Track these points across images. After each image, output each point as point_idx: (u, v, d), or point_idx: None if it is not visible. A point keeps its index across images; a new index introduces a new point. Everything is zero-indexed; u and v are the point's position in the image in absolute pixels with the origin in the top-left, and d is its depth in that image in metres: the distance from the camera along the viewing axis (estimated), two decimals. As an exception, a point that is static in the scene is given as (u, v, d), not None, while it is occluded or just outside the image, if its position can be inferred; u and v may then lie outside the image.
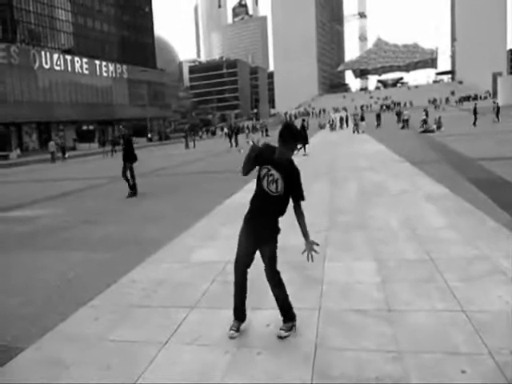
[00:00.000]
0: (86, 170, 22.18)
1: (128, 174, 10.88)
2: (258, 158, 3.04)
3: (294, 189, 3.05)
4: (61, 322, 3.66)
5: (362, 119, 33.66)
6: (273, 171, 3.01)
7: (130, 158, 10.93)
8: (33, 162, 33.76)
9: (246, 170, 3.13)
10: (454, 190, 8.02)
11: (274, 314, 3.51)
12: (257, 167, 3.12)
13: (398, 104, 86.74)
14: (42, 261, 5.70)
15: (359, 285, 3.99)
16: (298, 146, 3.07)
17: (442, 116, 32.53)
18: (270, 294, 3.93)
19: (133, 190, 10.87)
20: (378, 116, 38.75)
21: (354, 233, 5.75)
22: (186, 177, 15.06)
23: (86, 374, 2.86)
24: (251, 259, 3.26)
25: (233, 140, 30.49)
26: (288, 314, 3.22)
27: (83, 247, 6.24)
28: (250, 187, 10.39)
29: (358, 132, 31.30)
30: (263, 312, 3.60)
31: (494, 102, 36.30)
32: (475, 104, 32.62)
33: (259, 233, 3.14)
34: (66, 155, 34.32)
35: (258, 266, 4.69)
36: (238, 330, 3.24)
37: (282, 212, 3.11)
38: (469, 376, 2.53)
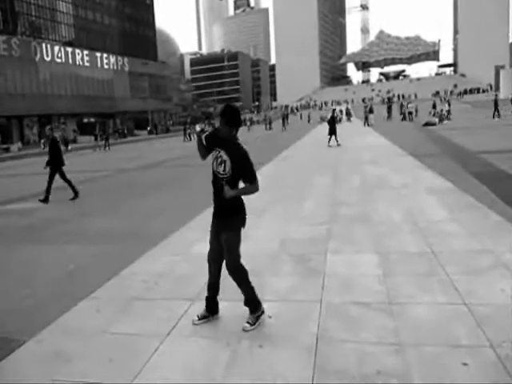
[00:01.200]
0: (86, 163, 22.15)
1: (64, 176, 9.82)
2: (208, 142, 3.18)
3: (242, 171, 3.07)
4: (62, 315, 3.65)
5: (371, 111, 32.75)
6: (221, 153, 3.08)
7: (54, 162, 9.65)
8: (34, 154, 33.72)
9: (202, 155, 3.28)
10: (457, 183, 7.99)
11: (276, 306, 3.52)
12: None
13: (403, 97, 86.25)
14: (43, 254, 5.70)
15: (361, 277, 3.98)
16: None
17: (446, 109, 32.45)
18: (272, 285, 3.94)
19: (46, 197, 9.50)
20: (389, 108, 39.19)
21: (356, 226, 5.73)
22: (185, 169, 15.03)
23: (88, 367, 2.86)
24: (219, 250, 3.26)
25: None
26: (251, 304, 3.25)
27: (83, 240, 6.23)
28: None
29: (368, 125, 30.42)
30: (265, 304, 3.58)
31: (497, 95, 36.23)
32: (496, 95, 32.46)
33: (218, 217, 3.21)
34: (69, 147, 34.18)
35: (258, 258, 4.70)
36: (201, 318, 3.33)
37: None
38: (470, 368, 2.53)
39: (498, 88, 68.08)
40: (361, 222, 5.95)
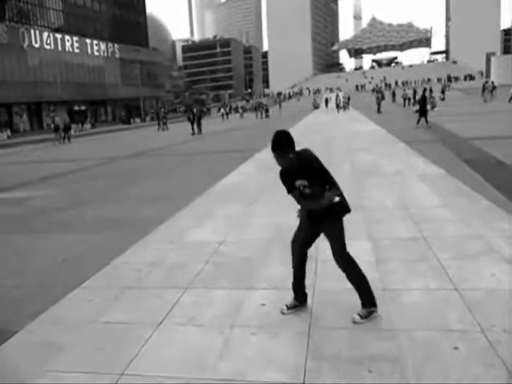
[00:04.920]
0: (76, 151, 21.90)
1: None
2: (287, 181, 3.02)
3: (319, 178, 2.94)
4: (53, 305, 3.63)
5: (383, 97, 31.50)
6: (299, 181, 2.95)
7: None
8: (24, 143, 33.25)
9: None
10: (448, 169, 8.01)
11: (269, 294, 3.52)
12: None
13: (396, 83, 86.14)
14: (34, 243, 5.65)
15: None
16: None
17: (438, 95, 32.46)
18: (265, 273, 3.94)
19: None
20: (393, 94, 40.74)
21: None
22: (179, 157, 14.93)
23: (79, 356, 2.85)
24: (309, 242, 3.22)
25: (195, 126, 26.14)
26: (364, 298, 3.05)
27: (76, 229, 6.19)
28: (243, 169, 10.16)
29: (380, 112, 29.02)
30: (258, 291, 3.59)
31: (487, 82, 36.40)
32: (486, 82, 32.55)
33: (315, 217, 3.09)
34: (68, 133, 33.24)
35: (251, 245, 4.69)
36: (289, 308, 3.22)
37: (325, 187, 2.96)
38: (461, 353, 2.55)
39: (488, 75, 68.12)
40: (353, 208, 5.94)
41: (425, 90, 20.49)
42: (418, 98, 33.15)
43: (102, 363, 2.73)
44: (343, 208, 3.09)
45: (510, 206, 5.44)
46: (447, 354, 2.56)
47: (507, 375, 2.32)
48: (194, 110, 31.03)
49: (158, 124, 35.07)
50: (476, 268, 3.72)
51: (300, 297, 3.25)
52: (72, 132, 37.01)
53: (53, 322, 3.37)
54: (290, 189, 3.00)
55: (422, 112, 17.46)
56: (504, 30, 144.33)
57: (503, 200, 5.73)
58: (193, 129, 26.13)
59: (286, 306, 3.21)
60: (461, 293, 3.28)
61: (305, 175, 2.93)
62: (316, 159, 2.99)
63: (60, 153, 22.09)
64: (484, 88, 33.18)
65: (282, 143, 2.93)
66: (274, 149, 2.95)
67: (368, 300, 3.04)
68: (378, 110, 29.37)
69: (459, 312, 3.01)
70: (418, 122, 17.31)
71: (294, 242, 3.22)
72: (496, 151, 9.39)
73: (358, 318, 2.98)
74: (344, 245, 3.06)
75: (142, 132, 35.75)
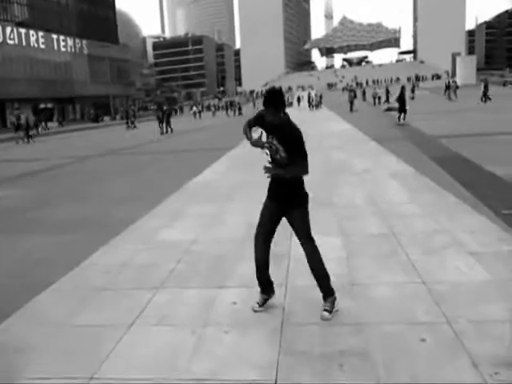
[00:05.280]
0: (40, 151, 21.22)
1: None
2: (255, 124, 3.10)
3: (295, 152, 2.92)
4: (20, 308, 3.50)
5: (355, 96, 31.48)
6: (274, 140, 2.96)
7: None
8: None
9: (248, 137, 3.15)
10: (417, 167, 8.24)
11: (241, 292, 3.52)
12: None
13: (367, 82, 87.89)
14: (0, 244, 5.44)
15: (325, 260, 4.02)
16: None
17: (408, 94, 33.24)
18: (237, 271, 3.94)
19: None
20: (364, 93, 42.72)
21: (320, 209, 5.80)
22: (150, 156, 14.71)
23: (48, 360, 2.76)
24: (272, 231, 3.16)
25: (164, 124, 25.07)
26: (325, 286, 3.11)
27: (44, 230, 5.99)
28: (215, 168, 10.12)
29: (352, 111, 29.15)
30: (230, 290, 3.59)
31: (453, 82, 37.78)
32: (449, 81, 33.83)
33: (280, 197, 3.09)
34: (31, 132, 32.14)
35: (224, 244, 4.68)
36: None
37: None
38: (428, 344, 2.63)
39: (454, 74, 70.44)
40: (325, 205, 6.03)
41: (403, 87, 20.96)
42: (393, 96, 34.02)
43: (72, 367, 2.66)
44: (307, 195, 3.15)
45: (475, 201, 5.65)
46: (415, 345, 2.63)
47: (471, 364, 2.40)
48: (164, 108, 30.24)
49: (127, 123, 34.14)
50: (442, 261, 3.84)
51: (268, 288, 3.24)
52: (40, 130, 35.81)
53: (20, 325, 3.25)
54: (253, 124, 3.10)
55: (401, 109, 17.86)
56: (469, 31, 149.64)
57: (468, 196, 5.94)
58: (162, 128, 25.22)
59: (257, 303, 3.21)
60: (428, 286, 3.38)
61: (286, 141, 2.92)
62: (300, 132, 2.99)
63: (24, 152, 21.34)
64: (447, 87, 34.62)
65: (275, 100, 2.88)
66: (266, 105, 2.88)
67: (329, 289, 3.11)
68: (351, 109, 29.53)
69: (426, 305, 3.11)
70: (399, 118, 17.77)
71: (258, 232, 3.17)
72: (462, 149, 9.72)
73: (326, 314, 3.02)
74: (310, 228, 3.13)
75: (109, 131, 34.94)
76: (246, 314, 3.17)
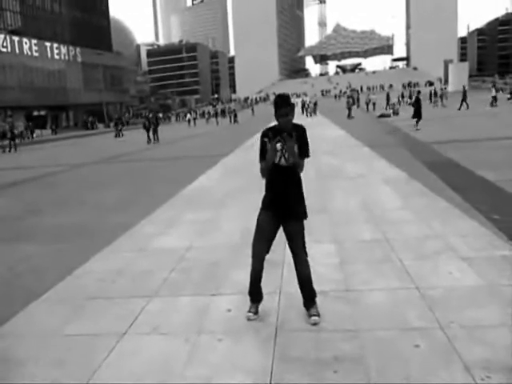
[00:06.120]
0: (37, 158, 21.12)
1: None
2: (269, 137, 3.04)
3: (303, 147, 3.02)
4: (12, 318, 3.48)
5: (354, 103, 31.27)
6: (288, 142, 2.96)
7: None
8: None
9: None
10: (409, 172, 8.30)
11: (236, 299, 3.51)
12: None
13: (361, 89, 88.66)
14: (-9, 254, 5.39)
15: (319, 267, 4.04)
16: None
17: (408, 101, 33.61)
18: (231, 278, 3.93)
19: None
20: (357, 99, 41.41)
21: (314, 216, 5.80)
22: (144, 163, 14.69)
23: (40, 371, 2.74)
24: (271, 240, 3.18)
25: (151, 133, 23.67)
26: (311, 293, 3.16)
27: (37, 238, 5.96)
28: (210, 174, 10.10)
29: (350, 117, 28.64)
30: (224, 297, 3.58)
31: (440, 89, 38.56)
32: (434, 88, 34.28)
33: (281, 206, 3.09)
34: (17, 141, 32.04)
35: (218, 250, 4.67)
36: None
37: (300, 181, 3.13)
38: (421, 350, 2.64)
39: (446, 81, 71.19)
40: (318, 212, 6.05)
41: (419, 92, 21.10)
42: (396, 100, 34.34)
43: (63, 377, 2.64)
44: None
45: (466, 206, 5.69)
46: (408, 351, 2.64)
47: (463, 368, 2.42)
48: (150, 116, 28.98)
49: (116, 130, 33.97)
50: (435, 267, 3.87)
51: (259, 297, 3.24)
52: (34, 137, 35.61)
53: (12, 335, 3.22)
54: (265, 150, 3.02)
55: (417, 114, 17.91)
56: (461, 38, 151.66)
57: (459, 201, 5.99)
58: (148, 136, 23.61)
59: (252, 312, 3.20)
60: (421, 291, 3.40)
61: (297, 138, 2.97)
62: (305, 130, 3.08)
63: (14, 161, 21.23)
64: (431, 94, 35.65)
65: (288, 100, 2.98)
66: (281, 105, 2.94)
67: (313, 300, 3.15)
68: (349, 115, 28.98)
69: (420, 310, 3.12)
70: (417, 123, 17.66)
71: (257, 244, 3.17)
72: (453, 154, 9.81)
73: (317, 318, 3.05)
74: (305, 241, 3.18)
75: (102, 138, 34.83)
76: (241, 322, 3.16)
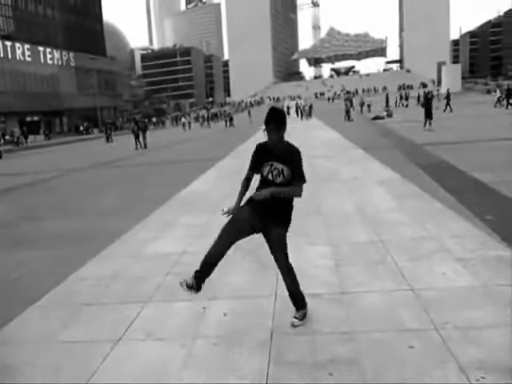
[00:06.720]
0: (32, 164, 21.01)
1: None
2: (258, 157, 3.02)
3: (295, 172, 2.93)
4: (7, 324, 3.45)
5: (352, 105, 30.87)
6: (275, 164, 2.93)
7: None
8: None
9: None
10: (403, 174, 8.34)
11: (231, 303, 3.51)
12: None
13: (356, 92, 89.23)
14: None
15: (314, 269, 4.05)
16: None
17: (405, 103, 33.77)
18: (227, 282, 3.92)
19: None
20: (351, 102, 40.20)
21: (309, 218, 5.83)
22: (139, 168, 14.66)
23: (35, 377, 2.72)
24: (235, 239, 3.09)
25: (140, 139, 23.01)
26: (299, 302, 3.16)
27: (31, 244, 5.91)
28: (205, 178, 10.06)
29: (349, 119, 28.55)
30: (220, 301, 3.57)
31: (429, 92, 38.75)
32: (424, 91, 34.44)
33: (264, 210, 2.98)
34: None
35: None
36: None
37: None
38: (416, 351, 2.65)
39: (440, 83, 71.68)
40: (313, 214, 6.06)
41: (428, 92, 21.16)
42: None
43: (59, 383, 2.62)
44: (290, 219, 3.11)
45: (460, 207, 5.73)
46: (403, 352, 2.65)
47: (458, 369, 2.43)
48: (137, 119, 28.20)
49: (106, 136, 34.21)
50: (429, 268, 3.88)
51: (200, 283, 3.00)
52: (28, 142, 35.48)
53: (7, 342, 3.20)
54: (255, 167, 3.03)
55: (428, 114, 17.94)
56: (453, 41, 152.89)
57: (453, 202, 6.03)
58: (136, 143, 22.81)
59: (186, 282, 2.97)
60: (416, 293, 3.41)
61: (287, 161, 2.92)
62: (300, 153, 2.99)
63: (8, 167, 21.10)
64: (419, 98, 35.91)
65: (282, 116, 2.89)
66: (271, 121, 2.85)
67: (303, 303, 3.17)
68: (349, 118, 28.75)
69: (414, 311, 3.13)
70: (427, 124, 17.75)
71: (227, 231, 3.07)
72: (446, 156, 9.86)
73: (296, 320, 3.08)
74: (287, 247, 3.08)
75: (96, 144, 34.72)
76: (236, 325, 3.16)
